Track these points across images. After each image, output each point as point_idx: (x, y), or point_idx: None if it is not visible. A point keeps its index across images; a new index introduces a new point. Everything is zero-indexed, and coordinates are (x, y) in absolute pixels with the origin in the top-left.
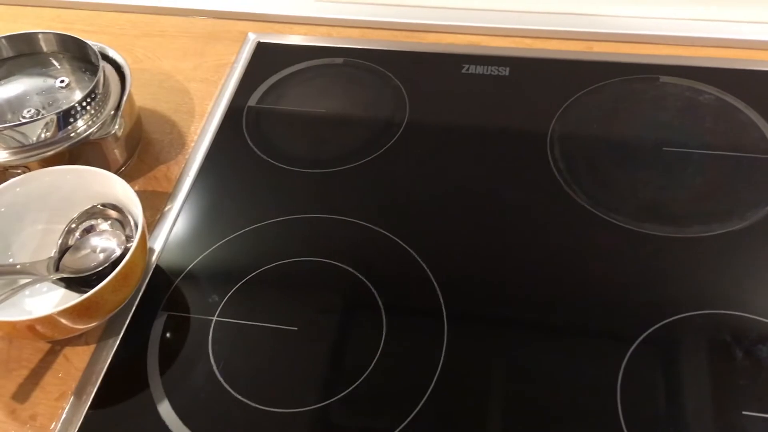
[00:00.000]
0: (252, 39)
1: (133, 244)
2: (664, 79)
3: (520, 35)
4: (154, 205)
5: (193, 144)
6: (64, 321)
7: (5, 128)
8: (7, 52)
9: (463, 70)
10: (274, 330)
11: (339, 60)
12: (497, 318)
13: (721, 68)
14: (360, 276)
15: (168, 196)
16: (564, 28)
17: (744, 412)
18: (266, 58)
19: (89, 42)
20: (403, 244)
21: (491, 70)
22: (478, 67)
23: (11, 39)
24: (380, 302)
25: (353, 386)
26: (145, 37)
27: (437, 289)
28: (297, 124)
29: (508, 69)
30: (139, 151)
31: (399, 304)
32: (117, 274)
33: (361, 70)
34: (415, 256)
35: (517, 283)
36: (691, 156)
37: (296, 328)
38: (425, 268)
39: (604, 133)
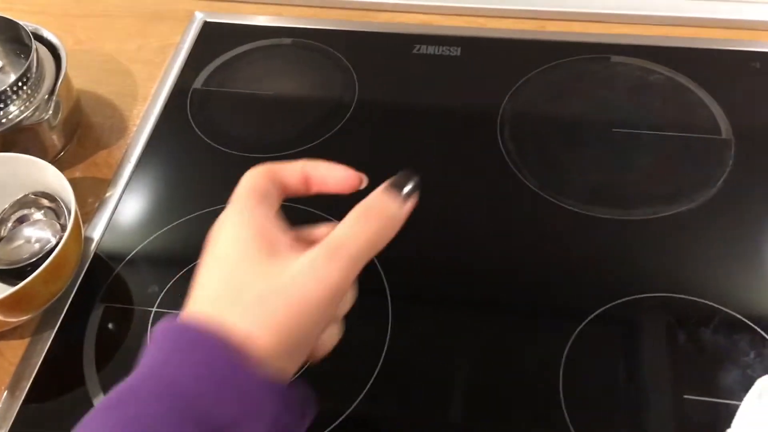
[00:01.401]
0: (198, 18)
1: (65, 234)
2: (615, 58)
3: (472, 14)
4: (95, 191)
5: (135, 128)
6: None
7: None
8: None
9: (414, 51)
10: None
11: (288, 40)
12: (443, 298)
13: (671, 47)
14: None
15: (109, 183)
16: (517, 6)
17: (685, 396)
18: (213, 39)
19: (21, 22)
20: None
21: (443, 50)
22: (429, 47)
23: None
24: None
25: (299, 372)
26: (87, 17)
27: (380, 269)
28: (244, 106)
29: (459, 49)
30: (78, 136)
31: None
32: (48, 265)
33: (310, 51)
34: None
35: (463, 264)
36: (641, 137)
37: None
38: None
39: (554, 114)
